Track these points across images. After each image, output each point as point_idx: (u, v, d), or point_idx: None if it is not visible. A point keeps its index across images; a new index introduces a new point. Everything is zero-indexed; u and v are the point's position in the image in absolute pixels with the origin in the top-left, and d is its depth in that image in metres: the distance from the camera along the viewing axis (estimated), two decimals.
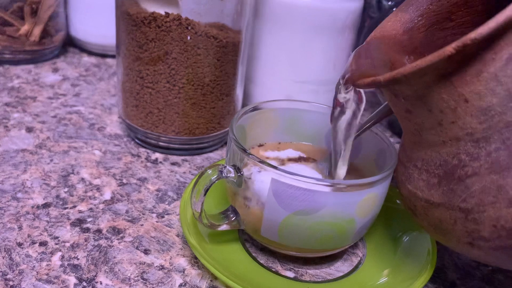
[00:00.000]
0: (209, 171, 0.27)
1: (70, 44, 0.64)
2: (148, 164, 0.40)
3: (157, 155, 0.42)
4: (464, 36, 0.20)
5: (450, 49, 0.20)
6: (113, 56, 0.62)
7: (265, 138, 0.35)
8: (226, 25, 0.38)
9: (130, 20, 0.37)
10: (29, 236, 0.31)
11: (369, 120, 0.32)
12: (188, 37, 0.36)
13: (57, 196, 0.35)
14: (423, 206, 0.26)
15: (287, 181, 0.25)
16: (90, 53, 0.62)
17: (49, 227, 0.32)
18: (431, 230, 0.27)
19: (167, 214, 0.34)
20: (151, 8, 0.36)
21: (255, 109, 0.33)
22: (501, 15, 0.20)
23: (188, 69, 0.37)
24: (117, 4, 0.38)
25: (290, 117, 0.35)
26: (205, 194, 0.27)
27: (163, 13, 0.36)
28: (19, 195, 0.34)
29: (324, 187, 0.25)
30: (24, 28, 0.54)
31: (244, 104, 0.48)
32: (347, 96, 0.28)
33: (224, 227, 0.29)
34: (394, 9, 0.60)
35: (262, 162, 0.26)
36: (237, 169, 0.27)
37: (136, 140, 0.43)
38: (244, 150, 0.27)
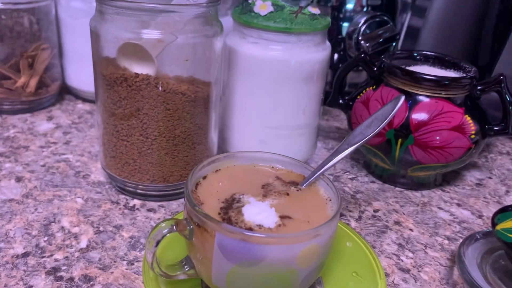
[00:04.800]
0: (163, 225, 0.29)
1: (67, 91, 0.67)
2: (126, 211, 0.43)
3: (136, 201, 0.44)
4: None
5: None
6: None
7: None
8: (197, 79, 0.41)
9: (104, 80, 0.40)
10: (5, 286, 0.33)
11: (329, 159, 0.34)
12: (157, 95, 0.39)
13: (37, 245, 0.37)
14: None
15: (228, 235, 0.27)
16: (85, 100, 0.66)
17: (25, 276, 0.34)
18: None
19: (137, 261, 0.37)
20: (130, 66, 0.39)
21: (212, 162, 0.35)
22: None
23: (159, 123, 0.40)
24: (94, 65, 0.41)
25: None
26: (156, 245, 0.29)
27: (133, 73, 0.39)
28: (1, 245, 0.37)
29: (261, 240, 0.27)
30: (21, 81, 0.58)
31: (221, 148, 0.50)
32: None
33: (182, 276, 0.32)
34: (370, 49, 0.63)
35: (206, 217, 0.28)
36: (188, 223, 0.30)
37: (117, 188, 0.45)
38: (193, 205, 0.29)
